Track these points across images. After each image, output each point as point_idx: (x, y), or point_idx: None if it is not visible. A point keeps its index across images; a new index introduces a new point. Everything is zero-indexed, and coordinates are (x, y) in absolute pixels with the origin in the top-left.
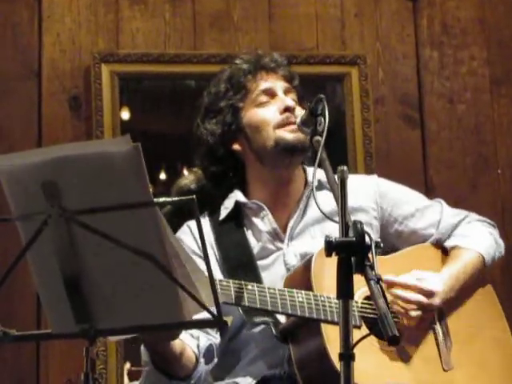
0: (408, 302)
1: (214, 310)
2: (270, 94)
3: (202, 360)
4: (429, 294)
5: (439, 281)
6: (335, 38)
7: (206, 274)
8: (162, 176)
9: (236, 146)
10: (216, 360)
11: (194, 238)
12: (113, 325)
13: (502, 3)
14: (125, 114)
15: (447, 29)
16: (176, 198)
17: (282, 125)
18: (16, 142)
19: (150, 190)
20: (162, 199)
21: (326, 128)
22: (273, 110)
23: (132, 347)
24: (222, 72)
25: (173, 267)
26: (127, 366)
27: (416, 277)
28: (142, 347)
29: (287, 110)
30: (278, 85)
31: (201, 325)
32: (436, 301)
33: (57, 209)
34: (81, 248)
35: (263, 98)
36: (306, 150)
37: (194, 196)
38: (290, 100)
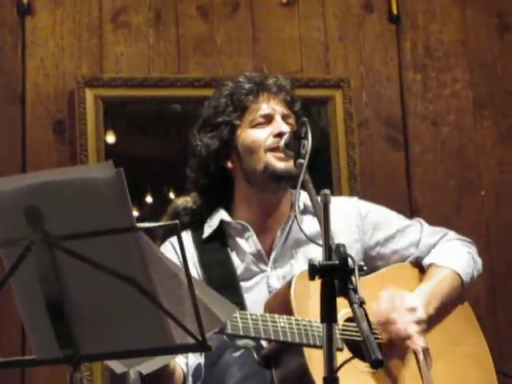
0: (397, 323)
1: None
2: (268, 118)
3: (190, 379)
4: (411, 310)
5: (415, 297)
6: (319, 61)
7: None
8: (149, 199)
9: (228, 164)
10: (202, 380)
11: (177, 256)
12: (97, 350)
13: (484, 26)
14: (110, 138)
15: (430, 51)
16: (160, 223)
17: (272, 149)
18: (0, 167)
19: (134, 214)
20: (145, 224)
21: (309, 151)
22: (266, 133)
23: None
24: (225, 86)
25: (158, 291)
26: None
27: (391, 298)
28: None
29: (280, 135)
30: (277, 110)
31: (185, 349)
32: (420, 313)
33: (40, 234)
34: (64, 273)
35: (260, 120)
36: (293, 178)
37: (178, 221)
38: (284, 126)
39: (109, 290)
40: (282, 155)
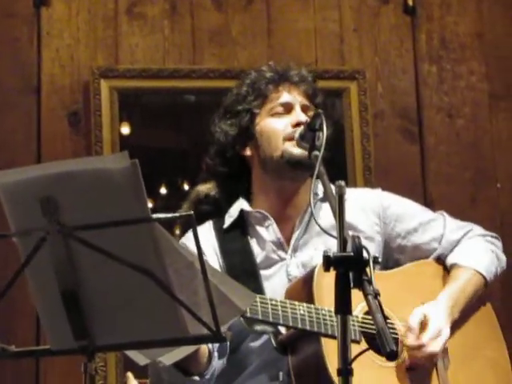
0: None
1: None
2: (288, 107)
3: (215, 354)
4: (437, 334)
5: (441, 313)
6: (334, 52)
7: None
8: (163, 190)
9: (246, 152)
10: (227, 355)
11: None
12: (112, 341)
13: (500, 18)
14: (124, 129)
15: (446, 43)
16: (175, 214)
17: (290, 138)
18: (15, 158)
19: (149, 205)
20: (160, 215)
21: (324, 143)
22: (285, 122)
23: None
24: (248, 75)
25: (173, 282)
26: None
27: (419, 321)
28: None
29: (298, 125)
30: (297, 100)
31: (199, 340)
32: (445, 331)
33: (55, 225)
34: (79, 264)
35: (279, 110)
36: (311, 166)
37: (192, 212)
38: (303, 116)
39: (123, 280)
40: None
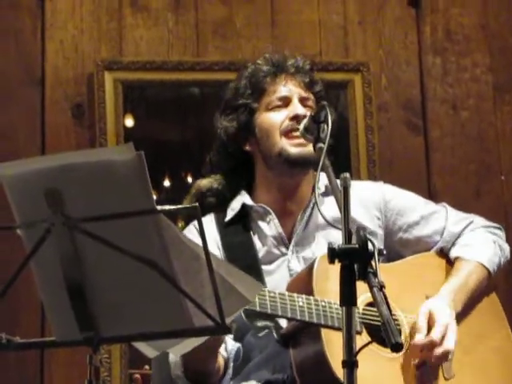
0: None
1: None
2: (285, 100)
3: (231, 364)
4: (445, 328)
5: (446, 307)
6: (338, 45)
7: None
8: (166, 183)
9: (248, 147)
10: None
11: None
12: (117, 332)
13: (505, 10)
14: (129, 122)
15: (450, 35)
16: (180, 206)
17: (287, 132)
18: (19, 150)
19: (154, 197)
20: (165, 207)
21: (328, 135)
22: (283, 116)
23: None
24: (246, 68)
25: (178, 273)
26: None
27: (425, 320)
28: (171, 358)
29: (296, 118)
30: (295, 92)
31: (204, 332)
32: (453, 326)
33: (60, 216)
34: (84, 256)
35: (277, 103)
36: (310, 163)
37: (197, 204)
38: (301, 109)
39: (128, 272)
40: (297, 141)
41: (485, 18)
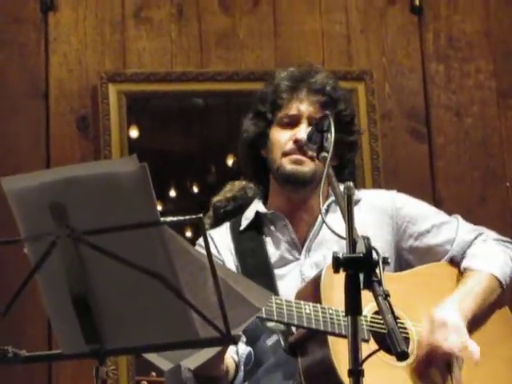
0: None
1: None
2: (295, 120)
3: (242, 368)
4: (447, 328)
5: (454, 312)
6: (341, 54)
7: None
8: (172, 193)
9: (263, 153)
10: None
11: (215, 247)
12: (123, 344)
13: (507, 16)
14: (133, 133)
15: (453, 42)
16: (185, 217)
17: (287, 154)
18: (24, 162)
19: (158, 208)
20: (169, 218)
21: (332, 144)
22: (288, 136)
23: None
24: (273, 77)
25: (184, 285)
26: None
27: (435, 325)
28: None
29: (296, 142)
30: (305, 113)
31: (210, 343)
32: (464, 331)
33: (65, 229)
34: (89, 268)
35: (286, 121)
36: (307, 182)
37: (201, 215)
38: (303, 133)
39: (133, 284)
40: (295, 156)
41: (487, 24)
